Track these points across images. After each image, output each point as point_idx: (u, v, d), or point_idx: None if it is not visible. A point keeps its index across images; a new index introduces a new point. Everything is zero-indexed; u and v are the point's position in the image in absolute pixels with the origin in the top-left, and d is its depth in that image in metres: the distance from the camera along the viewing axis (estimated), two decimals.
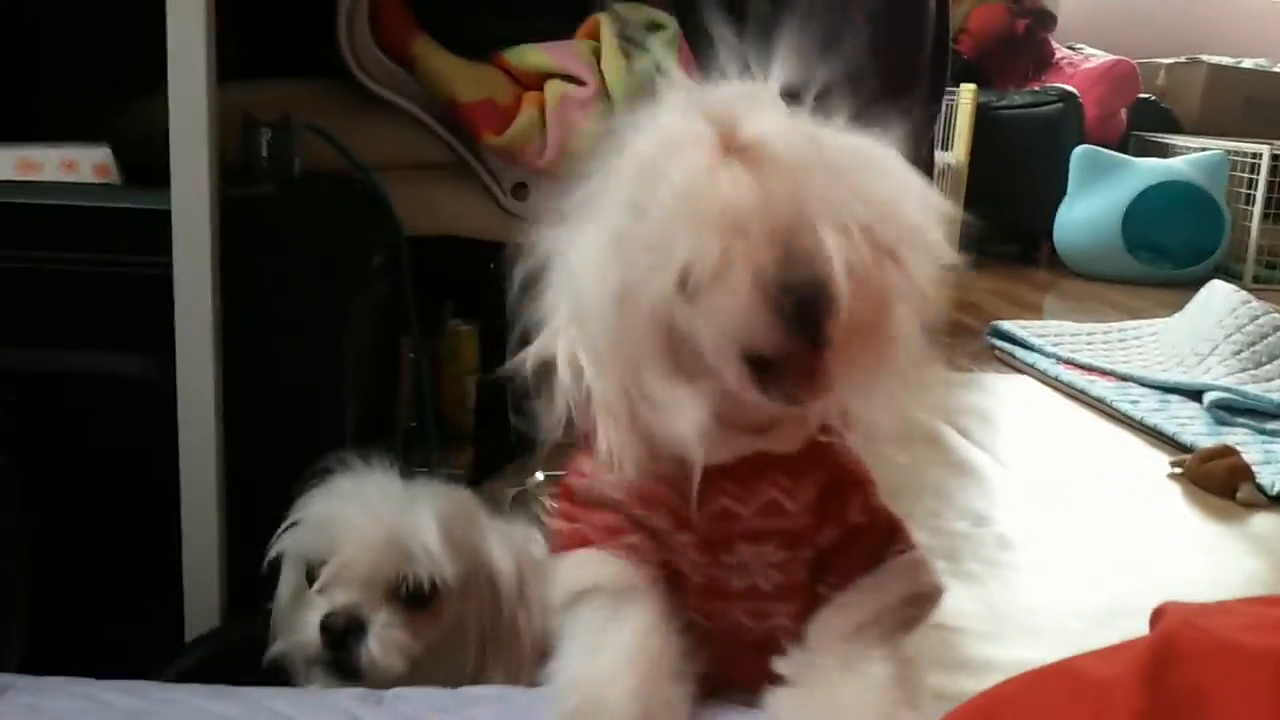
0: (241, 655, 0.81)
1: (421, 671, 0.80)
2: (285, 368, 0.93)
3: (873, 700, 0.65)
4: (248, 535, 0.92)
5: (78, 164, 0.96)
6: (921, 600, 0.73)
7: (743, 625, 0.70)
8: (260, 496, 0.93)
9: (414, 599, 0.80)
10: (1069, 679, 0.59)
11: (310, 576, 0.82)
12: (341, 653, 0.78)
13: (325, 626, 0.78)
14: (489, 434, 1.80)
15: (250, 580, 0.92)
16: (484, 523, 0.86)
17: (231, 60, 0.94)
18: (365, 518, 0.80)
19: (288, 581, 0.85)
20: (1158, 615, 0.65)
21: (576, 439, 0.69)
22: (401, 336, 1.24)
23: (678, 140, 0.61)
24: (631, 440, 0.65)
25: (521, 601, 0.84)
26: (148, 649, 0.83)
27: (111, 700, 0.65)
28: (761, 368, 0.60)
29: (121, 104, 1.11)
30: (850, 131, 0.64)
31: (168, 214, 0.87)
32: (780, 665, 0.67)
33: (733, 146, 0.60)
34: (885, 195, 0.61)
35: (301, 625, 0.81)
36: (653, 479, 0.67)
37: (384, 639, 0.78)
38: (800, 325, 0.58)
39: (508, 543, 0.85)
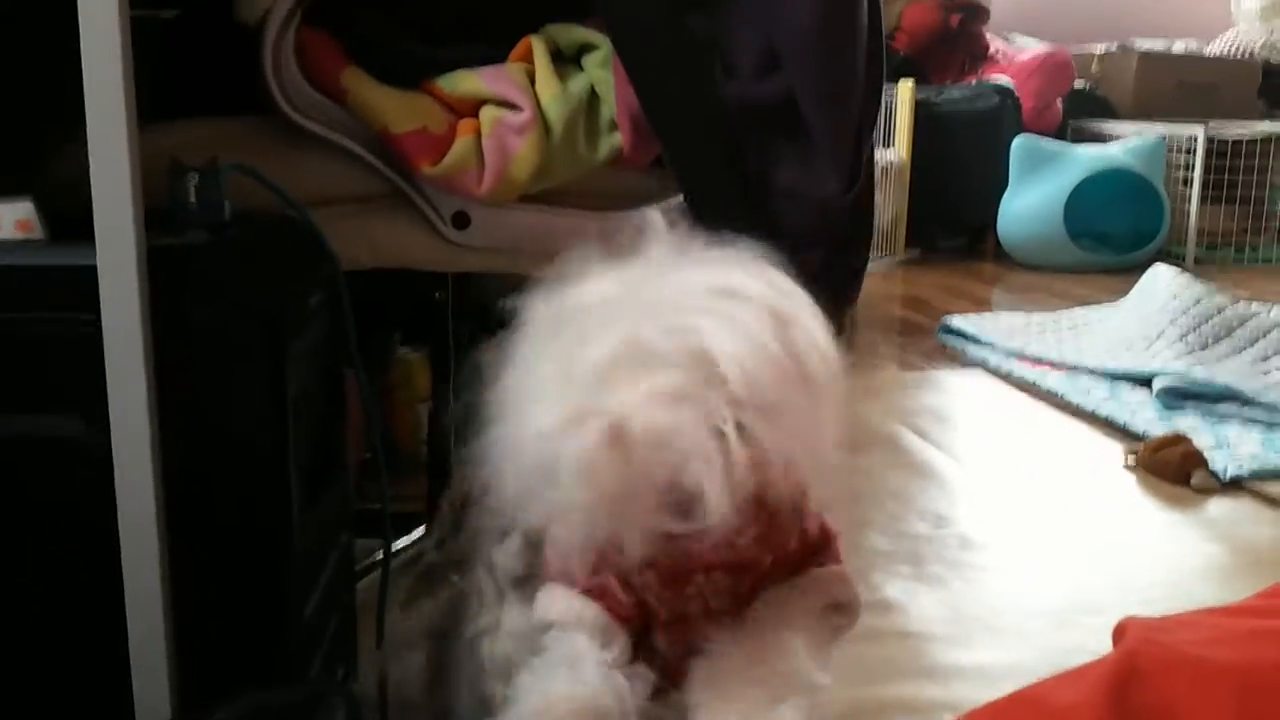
0: None
1: None
2: (225, 419, 0.91)
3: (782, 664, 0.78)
4: (193, 595, 0.90)
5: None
6: (844, 609, 0.85)
7: (699, 643, 0.82)
8: (204, 555, 0.91)
9: None
10: (1033, 708, 0.58)
11: None
12: None
13: None
14: (442, 461, 1.78)
15: (202, 643, 0.90)
16: None
17: (152, 102, 0.92)
18: None
19: None
20: (1119, 633, 0.65)
21: None
22: (347, 370, 1.21)
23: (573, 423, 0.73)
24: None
25: None
26: None
27: None
28: None
29: (43, 152, 1.08)
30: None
31: (94, 269, 0.85)
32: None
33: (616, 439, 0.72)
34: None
35: None
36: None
37: None
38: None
39: None
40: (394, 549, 1.23)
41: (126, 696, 0.88)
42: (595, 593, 0.81)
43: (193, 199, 0.98)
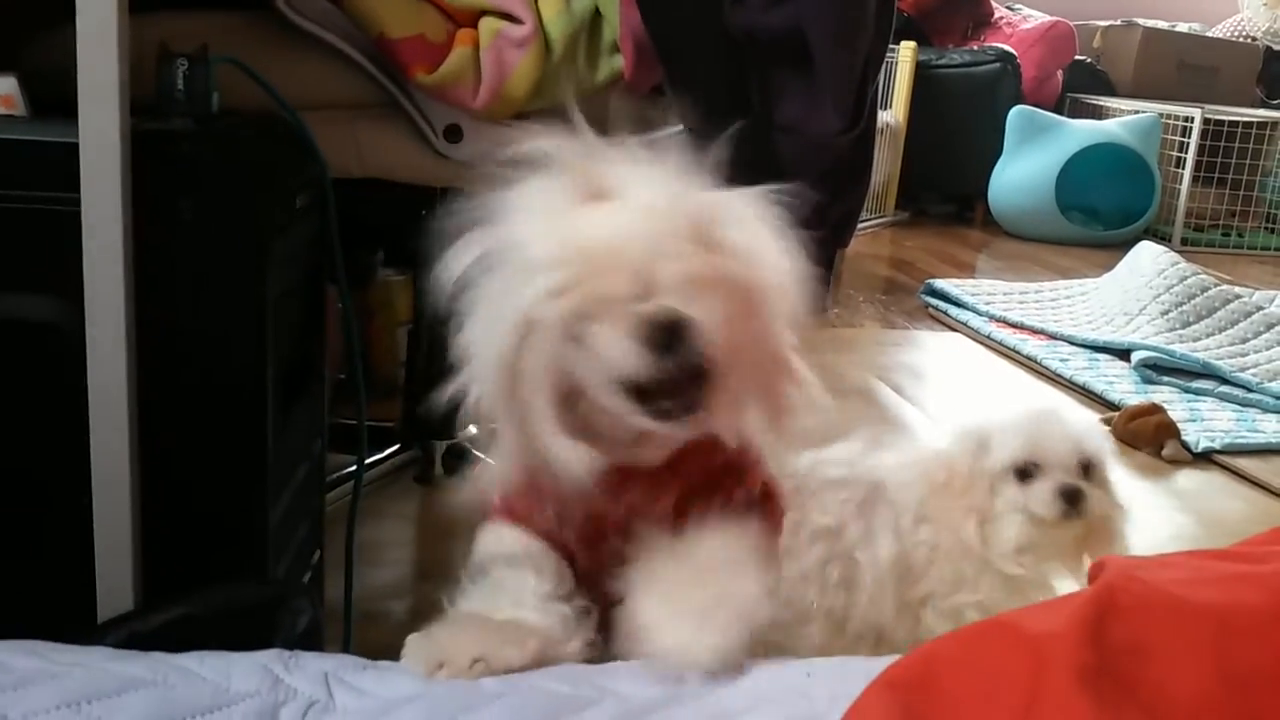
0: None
1: None
2: (203, 312, 0.89)
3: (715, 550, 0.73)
4: (162, 488, 0.88)
5: None
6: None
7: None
8: (175, 448, 0.90)
9: None
10: (1008, 633, 0.57)
11: None
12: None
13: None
14: (419, 386, 1.76)
15: (166, 536, 0.88)
16: None
17: None
18: None
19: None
20: (1098, 568, 0.64)
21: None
22: (328, 284, 1.19)
23: (543, 190, 0.69)
24: (523, 472, 0.74)
25: None
26: (57, 616, 0.80)
27: (9, 662, 0.62)
28: (641, 396, 0.67)
29: (31, 33, 1.05)
30: (716, 189, 0.71)
31: (76, 147, 0.82)
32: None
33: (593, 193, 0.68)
34: (737, 243, 0.69)
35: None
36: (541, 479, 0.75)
37: None
38: (666, 350, 0.65)
39: None
40: (366, 464, 1.22)
41: (90, 586, 0.87)
42: (539, 533, 0.80)
43: (180, 87, 0.96)
